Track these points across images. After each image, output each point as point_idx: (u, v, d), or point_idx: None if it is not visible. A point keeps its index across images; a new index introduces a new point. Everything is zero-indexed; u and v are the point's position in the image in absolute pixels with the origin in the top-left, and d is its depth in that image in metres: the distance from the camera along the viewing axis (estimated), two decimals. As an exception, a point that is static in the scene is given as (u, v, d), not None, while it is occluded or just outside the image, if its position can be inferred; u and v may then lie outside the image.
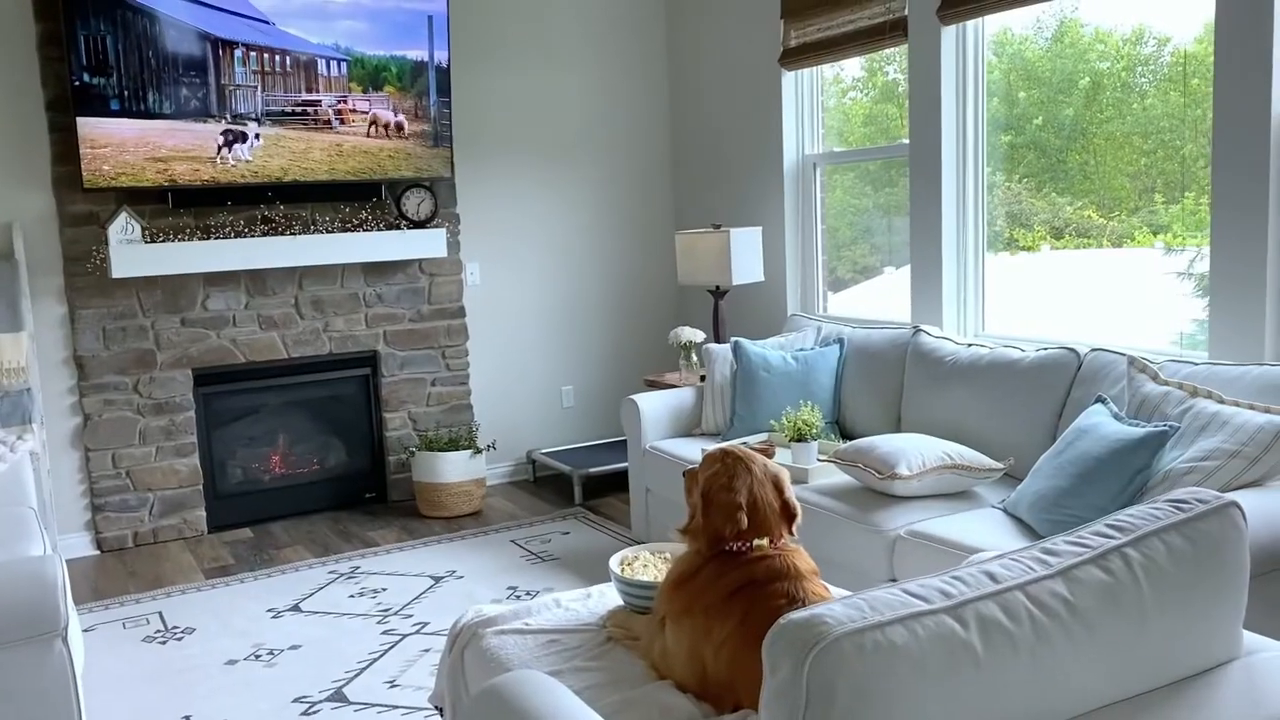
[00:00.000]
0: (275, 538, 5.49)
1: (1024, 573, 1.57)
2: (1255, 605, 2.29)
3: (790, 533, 2.43)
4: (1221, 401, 3.17)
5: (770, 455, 4.22)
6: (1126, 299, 4.46)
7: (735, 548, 2.36)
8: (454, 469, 5.68)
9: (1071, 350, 3.88)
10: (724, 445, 2.54)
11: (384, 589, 4.64)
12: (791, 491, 2.46)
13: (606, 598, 2.86)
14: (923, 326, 4.52)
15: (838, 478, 3.99)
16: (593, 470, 5.83)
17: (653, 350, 6.76)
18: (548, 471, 6.44)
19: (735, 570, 2.35)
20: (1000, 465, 3.70)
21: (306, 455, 5.95)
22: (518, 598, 4.43)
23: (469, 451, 5.72)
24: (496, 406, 6.32)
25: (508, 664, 2.54)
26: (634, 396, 4.93)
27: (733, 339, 4.86)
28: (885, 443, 3.78)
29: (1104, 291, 4.53)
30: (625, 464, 5.82)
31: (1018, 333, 4.58)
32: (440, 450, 5.72)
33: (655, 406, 4.91)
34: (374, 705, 3.52)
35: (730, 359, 4.91)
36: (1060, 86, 4.59)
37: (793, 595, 2.27)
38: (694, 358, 5.55)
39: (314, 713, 3.49)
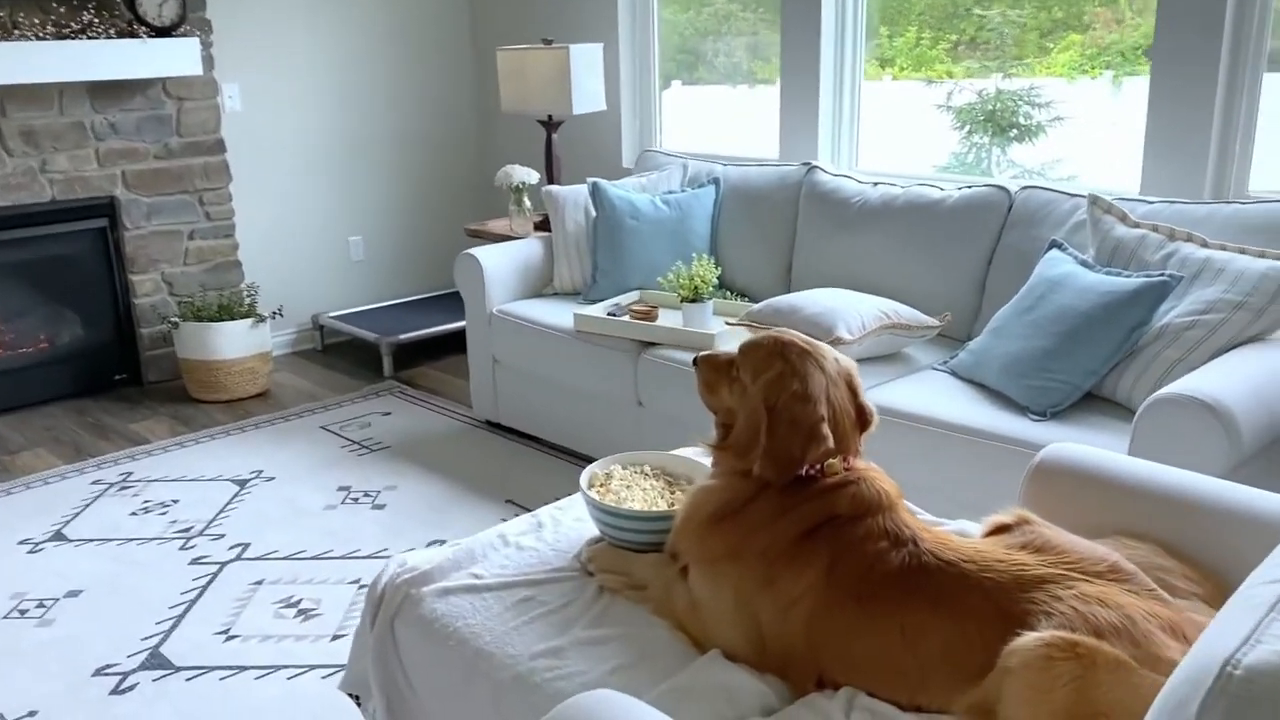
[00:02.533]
0: (4, 440, 4.31)
1: None
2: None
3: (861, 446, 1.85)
4: (1206, 245, 2.85)
5: (653, 319, 3.63)
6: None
7: (807, 472, 1.75)
8: (232, 342, 4.66)
9: (1001, 189, 3.46)
10: (776, 332, 1.88)
11: (174, 501, 3.69)
12: (864, 391, 1.86)
13: (564, 526, 2.18)
14: (816, 163, 3.96)
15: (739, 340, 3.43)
16: (404, 337, 4.98)
17: (461, 192, 5.86)
18: (339, 339, 5.51)
19: (806, 502, 1.75)
20: (937, 322, 3.27)
21: (30, 331, 4.72)
22: (355, 500, 3.64)
23: (250, 320, 4.71)
24: (270, 263, 5.26)
25: (474, 639, 1.84)
26: (473, 251, 4.11)
27: (590, 180, 4.11)
28: (809, 301, 3.24)
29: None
30: (444, 328, 5.03)
31: (890, 169, 4.10)
32: (212, 320, 4.66)
33: (499, 263, 4.12)
34: (215, 670, 2.69)
35: (585, 205, 4.17)
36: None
37: (895, 534, 1.70)
38: (526, 202, 4.76)
39: (128, 689, 2.63)
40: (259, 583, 3.12)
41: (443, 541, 3.26)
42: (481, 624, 1.87)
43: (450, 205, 5.83)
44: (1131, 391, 2.75)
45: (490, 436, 4.19)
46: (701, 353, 1.95)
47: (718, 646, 1.77)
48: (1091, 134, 4.01)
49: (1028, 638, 1.49)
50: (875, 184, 3.75)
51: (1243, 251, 2.78)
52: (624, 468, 2.19)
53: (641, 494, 2.07)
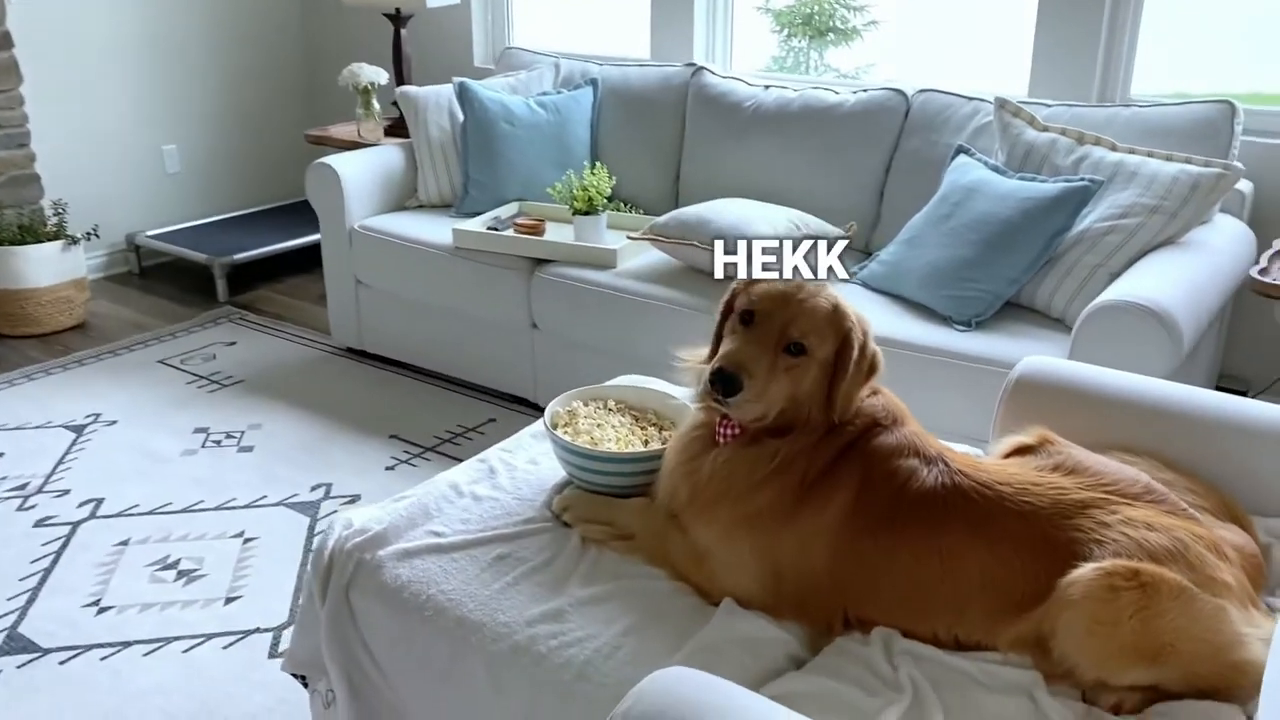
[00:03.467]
0: None
1: None
2: None
3: None
4: (1116, 149, 2.86)
5: (540, 233, 3.39)
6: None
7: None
8: (41, 268, 4.10)
9: (898, 92, 3.37)
10: (783, 284, 1.64)
11: (0, 453, 3.22)
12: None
13: (519, 470, 1.97)
14: (703, 64, 3.76)
15: (648, 259, 3.26)
16: (240, 257, 4.51)
17: (290, 95, 5.33)
18: (159, 260, 4.96)
19: (841, 426, 1.61)
20: (845, 233, 3.18)
21: None
22: (217, 442, 3.28)
23: (61, 243, 4.15)
24: (73, 177, 4.62)
25: (454, 607, 1.63)
26: (329, 160, 3.71)
27: (456, 80, 3.77)
28: (717, 213, 3.08)
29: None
30: (285, 245, 4.61)
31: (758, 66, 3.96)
32: (14, 244, 4.08)
33: (359, 173, 3.75)
34: (92, 649, 2.36)
35: (449, 108, 3.84)
36: None
37: (923, 451, 1.60)
38: (375, 105, 4.35)
39: (-11, 680, 2.27)
40: (124, 543, 2.75)
41: (330, 486, 3.00)
42: (460, 589, 1.65)
43: (280, 110, 5.30)
44: (1052, 298, 2.75)
45: (355, 365, 3.87)
46: (722, 365, 1.55)
47: (727, 594, 1.63)
48: (913, 36, 4.00)
49: (1087, 568, 1.42)
50: (767, 87, 3.60)
51: (1151, 155, 2.80)
52: (586, 404, 1.99)
53: (614, 433, 1.89)
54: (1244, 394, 3.08)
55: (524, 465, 1.99)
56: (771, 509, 1.61)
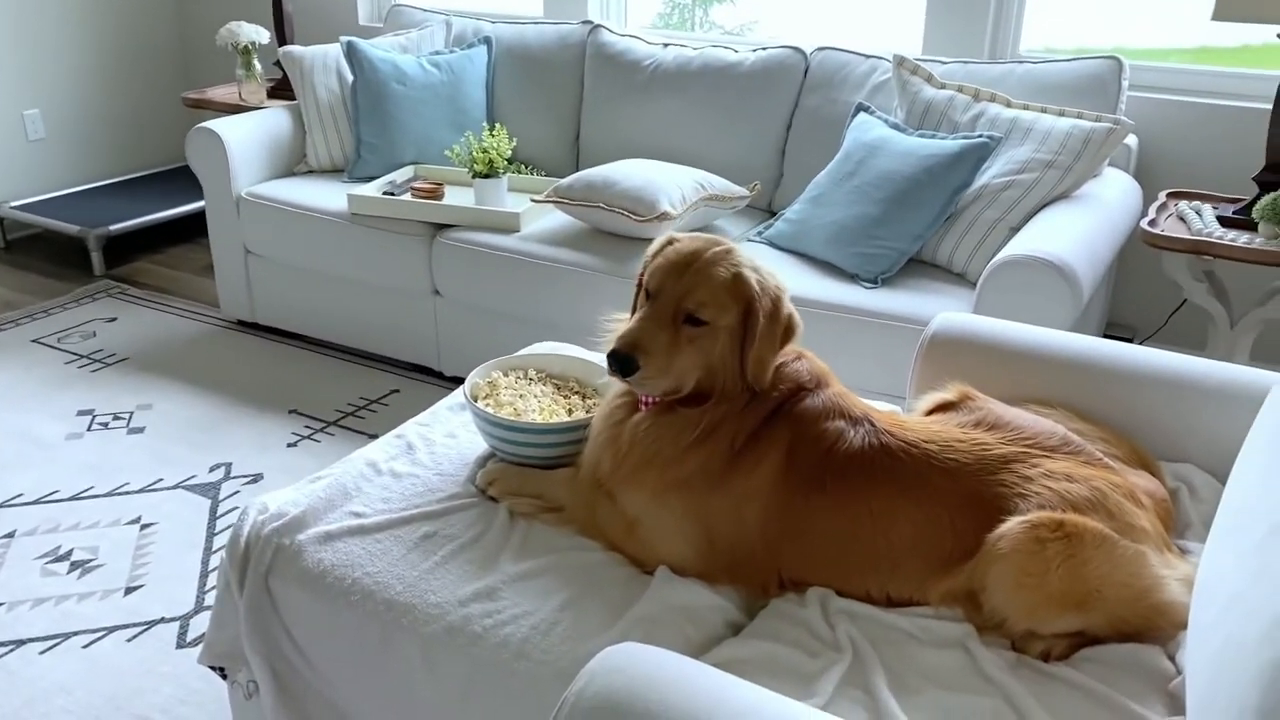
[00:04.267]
0: None
1: None
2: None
3: None
4: (1010, 105, 2.92)
5: (439, 197, 3.32)
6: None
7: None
8: (-104, 245, 3.82)
9: (797, 50, 3.38)
10: (684, 246, 1.62)
11: None
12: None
13: (438, 445, 1.92)
14: (599, 22, 3.70)
15: (552, 222, 3.21)
16: (116, 228, 4.28)
17: (162, 56, 5.04)
18: (25, 233, 4.68)
19: (767, 390, 1.61)
20: (748, 192, 3.18)
21: None
22: (104, 425, 3.12)
23: (-83, 217, 3.87)
24: (-74, 145, 4.33)
25: (382, 589, 1.58)
26: (211, 125, 3.54)
27: (344, 39, 3.63)
28: (622, 175, 3.05)
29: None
30: (162, 215, 4.40)
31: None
32: None
33: (244, 138, 3.58)
34: (-18, 651, 2.23)
35: (337, 68, 3.70)
36: None
37: (848, 412, 1.62)
38: (257, 66, 4.16)
39: None
40: (9, 536, 2.60)
41: (229, 466, 2.89)
42: (386, 571, 1.60)
43: (152, 70, 5.02)
44: (954, 254, 2.80)
45: (247, 338, 3.72)
46: (616, 347, 1.55)
47: (662, 561, 1.62)
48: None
49: (1013, 522, 1.45)
50: (666, 45, 3.56)
51: (1045, 111, 2.87)
52: (506, 374, 1.94)
53: (537, 403, 1.85)
54: (1130, 341, 3.21)
55: (442, 439, 1.94)
56: (701, 474, 1.60)
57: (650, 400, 1.64)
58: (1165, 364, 1.86)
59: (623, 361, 1.55)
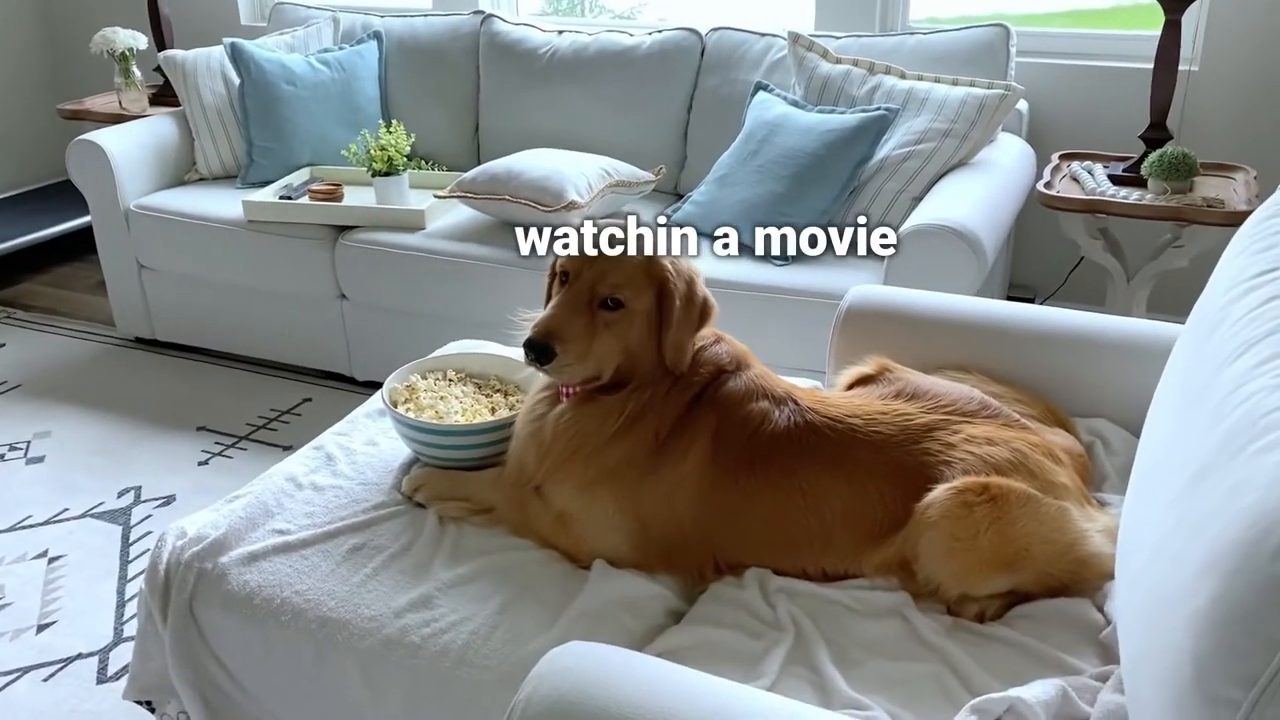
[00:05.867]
0: None
1: None
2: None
3: None
4: (905, 77, 2.96)
5: (339, 198, 3.24)
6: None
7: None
8: None
9: (692, 31, 3.38)
10: (605, 235, 1.62)
11: None
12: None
13: (358, 454, 1.88)
14: (490, 11, 3.64)
15: (457, 217, 3.16)
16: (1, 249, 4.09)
17: (35, 63, 4.80)
18: (-104, 259, 4.43)
19: (686, 375, 1.61)
20: (653, 177, 3.18)
21: None
22: (0, 458, 2.98)
23: None
24: None
25: (314, 607, 1.54)
26: (92, 136, 3.39)
27: (228, 41, 3.51)
28: (527, 165, 3.01)
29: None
30: (45, 233, 4.22)
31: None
32: None
33: (128, 148, 3.44)
34: (-114, 705, 2.11)
35: (221, 71, 3.58)
36: None
37: (770, 392, 1.63)
38: (135, 73, 4.00)
39: None
40: (-95, 582, 2.48)
41: (139, 490, 2.79)
42: (316, 587, 1.56)
43: (20, 81, 4.78)
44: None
45: (146, 356, 3.59)
46: (532, 335, 1.54)
47: (596, 555, 1.61)
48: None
49: (940, 490, 1.48)
50: (560, 32, 3.53)
51: (938, 80, 2.92)
52: (424, 377, 1.91)
53: (459, 404, 1.82)
54: (1032, 301, 3.30)
55: (362, 448, 1.90)
56: (629, 463, 1.60)
57: (571, 391, 1.63)
58: (1072, 322, 1.91)
59: (539, 349, 1.53)
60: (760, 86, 3.09)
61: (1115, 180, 2.83)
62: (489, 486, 1.73)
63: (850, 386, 1.75)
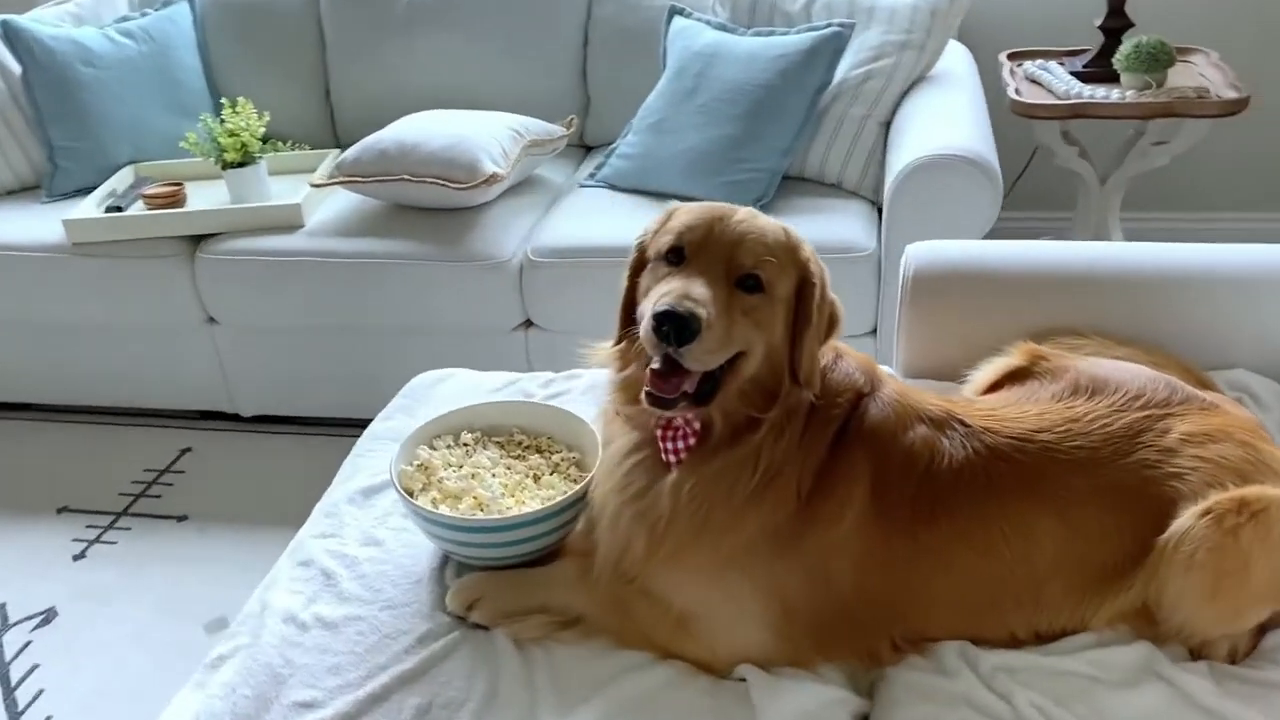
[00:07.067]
0: None
1: None
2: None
3: None
4: (842, -15, 2.61)
5: (182, 202, 2.66)
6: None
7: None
8: None
9: (575, -47, 2.90)
10: (711, 209, 1.22)
11: None
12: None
13: (363, 565, 1.41)
14: (325, -48, 3.04)
15: (338, 207, 2.62)
16: None
17: None
18: None
19: (819, 410, 1.24)
20: (565, 130, 2.73)
21: None
22: None
23: None
24: None
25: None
26: None
27: (-3, 19, 2.79)
28: (420, 135, 2.51)
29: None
30: None
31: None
32: None
33: (-113, 169, 2.70)
34: None
35: (-5, 57, 2.86)
36: None
37: (925, 414, 1.28)
38: None
39: None
40: None
41: (3, 608, 2.20)
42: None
43: None
44: (824, 163, 2.51)
45: (-38, 423, 2.90)
46: (670, 305, 1.10)
47: (736, 657, 1.25)
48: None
49: (1187, 515, 1.18)
50: (416, -29, 2.98)
51: (878, -13, 2.59)
52: (434, 448, 1.45)
53: (494, 480, 1.38)
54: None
55: (364, 552, 1.43)
56: (766, 535, 1.23)
57: (681, 446, 1.23)
58: (1184, 259, 1.64)
59: (682, 324, 1.10)
60: (675, 11, 2.68)
61: (1082, 78, 2.58)
62: (569, 588, 1.32)
63: (993, 386, 1.42)
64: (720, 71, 2.49)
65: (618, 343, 1.29)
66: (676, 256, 1.20)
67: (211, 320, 2.63)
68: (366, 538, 1.47)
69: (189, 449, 2.68)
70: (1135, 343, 1.57)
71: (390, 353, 2.54)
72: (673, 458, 1.24)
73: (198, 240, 2.57)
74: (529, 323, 2.47)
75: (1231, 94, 2.40)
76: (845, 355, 1.32)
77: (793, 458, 1.22)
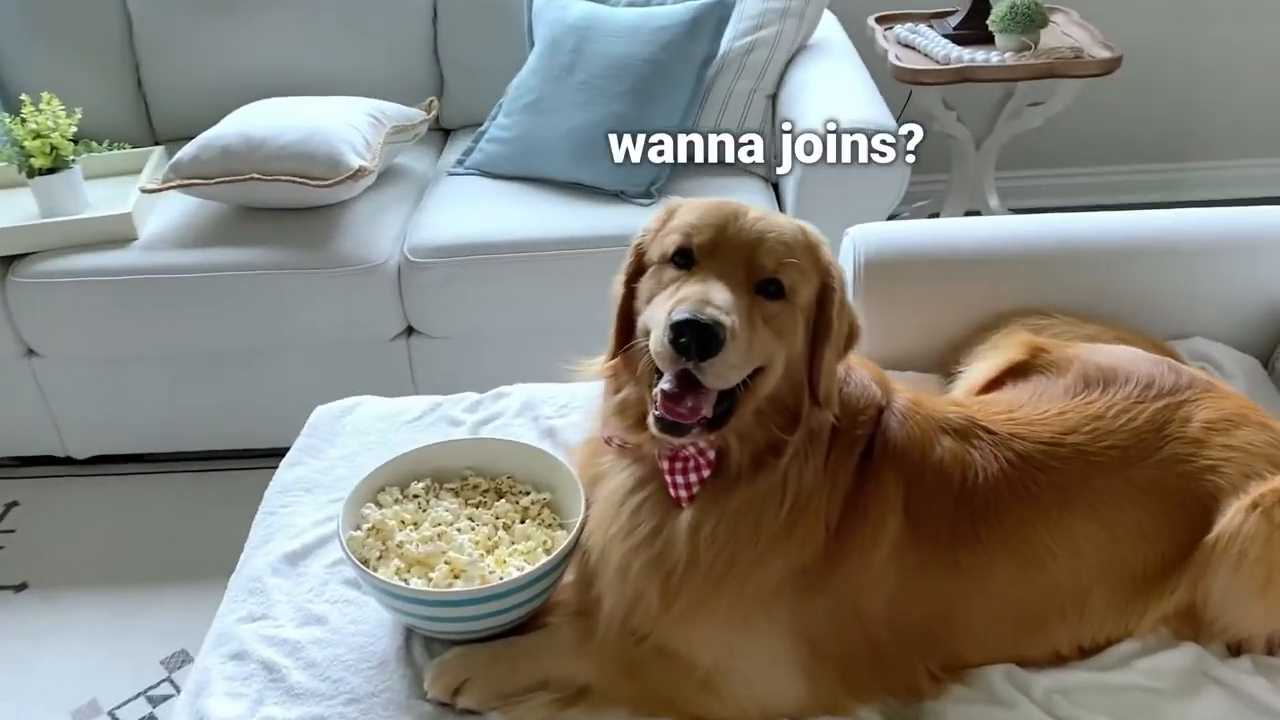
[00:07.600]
0: None
1: None
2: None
3: None
4: (712, -50, 2.48)
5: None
6: None
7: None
8: None
9: (415, -82, 2.65)
10: (719, 204, 1.09)
11: None
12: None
13: (307, 649, 1.20)
14: (121, -79, 2.66)
15: (172, 214, 2.30)
16: None
17: None
18: None
19: (841, 431, 1.12)
20: (426, 114, 2.49)
21: None
22: None
23: None
24: None
25: None
26: None
27: None
28: (269, 127, 2.23)
29: None
30: None
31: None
32: None
33: None
34: None
35: None
36: None
37: (946, 423, 1.18)
38: None
39: None
40: None
41: None
42: None
43: None
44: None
45: None
46: (690, 314, 0.96)
47: (767, 710, 1.12)
48: None
49: (1233, 511, 1.13)
50: (234, -62, 2.65)
51: (751, -49, 2.47)
52: (382, 504, 1.23)
53: (460, 536, 1.19)
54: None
55: (308, 635, 1.22)
56: (794, 574, 1.10)
57: (695, 479, 1.08)
58: (1133, 229, 1.61)
59: (707, 335, 0.95)
60: (537, -15, 2.48)
61: (955, 40, 2.55)
62: (571, 655, 1.15)
63: (994, 383, 1.33)
64: (599, 46, 2.32)
65: (612, 358, 1.12)
66: (685, 259, 1.05)
67: (31, 353, 2.26)
68: (304, 615, 1.25)
69: (15, 503, 2.32)
70: (1096, 318, 1.52)
71: (253, 375, 2.26)
72: (683, 493, 1.09)
73: (9, 261, 2.20)
74: (411, 330, 2.24)
75: (1105, 53, 2.42)
76: (854, 365, 1.19)
77: (819, 487, 1.10)
